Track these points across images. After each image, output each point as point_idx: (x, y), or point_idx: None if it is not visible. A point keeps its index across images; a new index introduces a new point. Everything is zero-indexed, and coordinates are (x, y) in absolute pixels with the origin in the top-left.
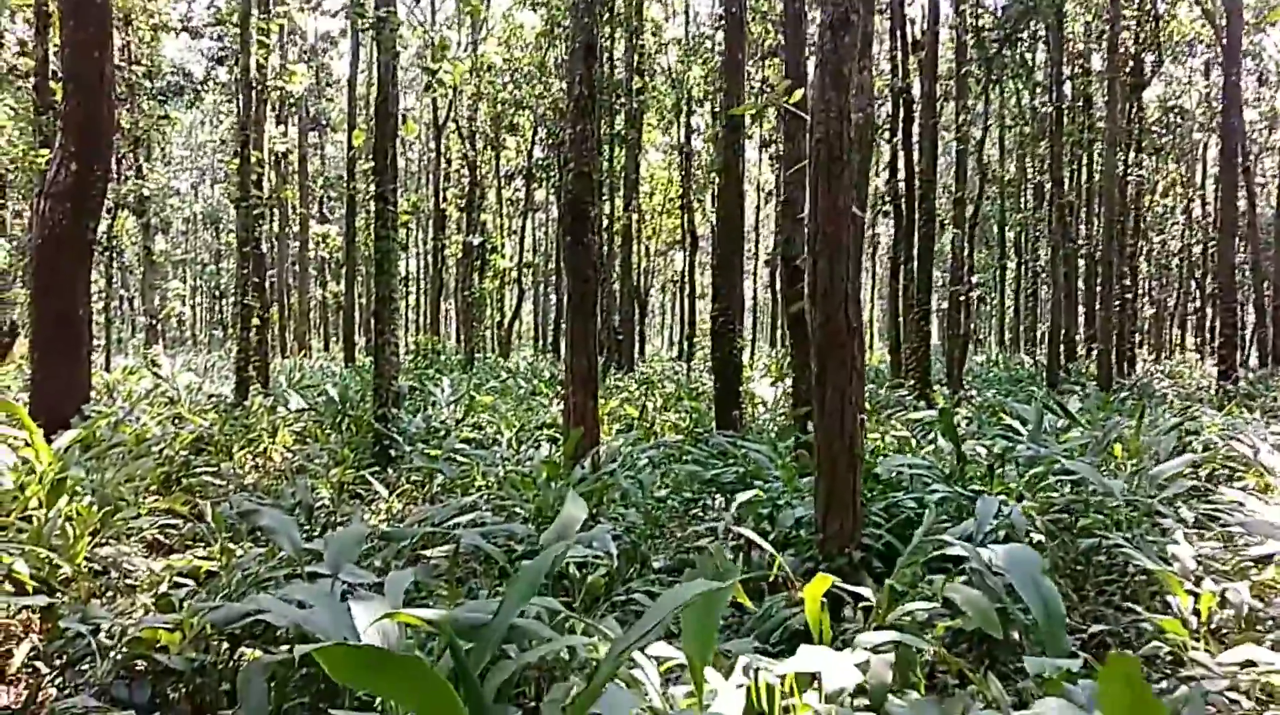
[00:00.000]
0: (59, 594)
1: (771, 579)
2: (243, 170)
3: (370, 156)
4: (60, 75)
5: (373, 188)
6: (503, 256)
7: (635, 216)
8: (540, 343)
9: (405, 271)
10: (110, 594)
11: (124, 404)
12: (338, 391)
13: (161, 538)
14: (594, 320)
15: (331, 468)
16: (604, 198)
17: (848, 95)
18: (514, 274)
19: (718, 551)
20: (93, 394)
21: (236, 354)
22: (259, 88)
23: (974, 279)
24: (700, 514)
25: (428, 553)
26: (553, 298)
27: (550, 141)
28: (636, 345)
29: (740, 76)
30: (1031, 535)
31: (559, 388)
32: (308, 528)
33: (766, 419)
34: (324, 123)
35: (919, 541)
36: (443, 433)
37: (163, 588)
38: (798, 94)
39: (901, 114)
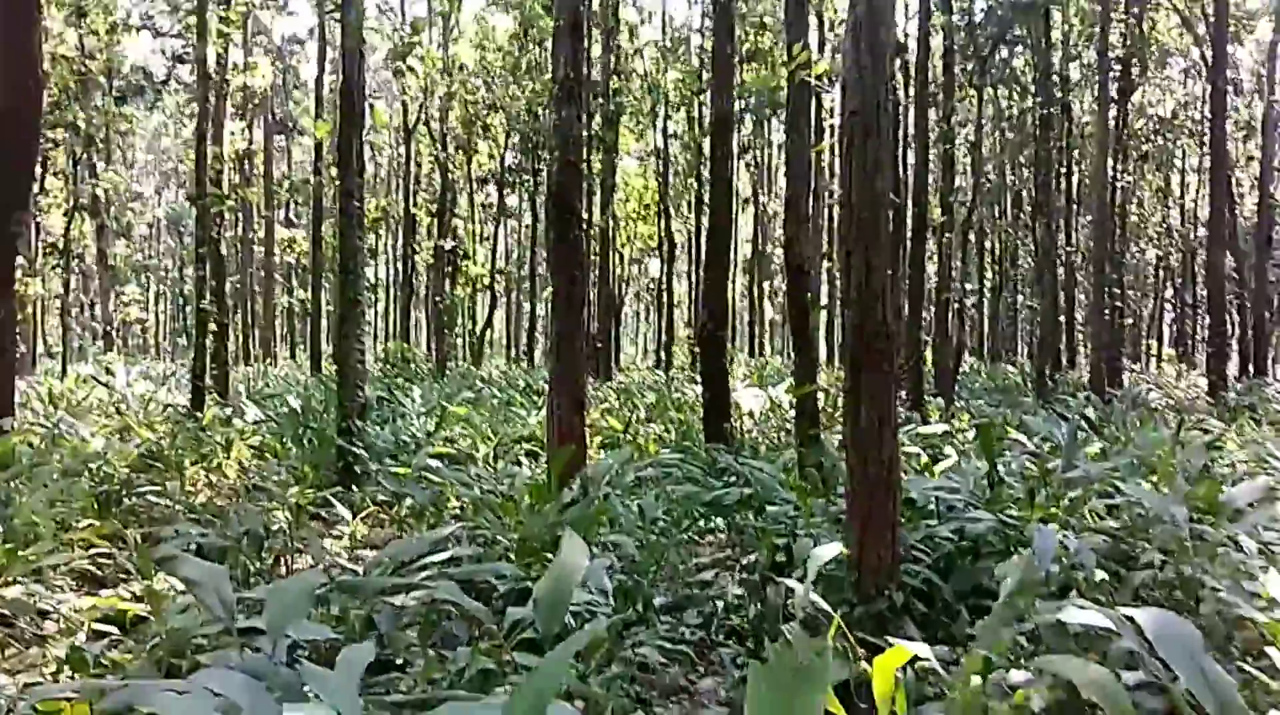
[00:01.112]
0: None
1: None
2: (199, 166)
3: (335, 149)
4: None
5: (338, 184)
6: (474, 263)
7: (611, 222)
8: (514, 351)
9: (374, 278)
10: (14, 647)
11: (61, 415)
12: (300, 402)
13: (94, 569)
14: (582, 326)
15: (290, 487)
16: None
17: (885, 62)
18: (486, 281)
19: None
20: (36, 405)
21: (193, 362)
22: (218, 78)
23: (966, 286)
24: (702, 541)
25: (395, 600)
26: (525, 306)
27: (524, 146)
28: (612, 353)
29: (730, 70)
30: (1095, 572)
31: (535, 398)
32: (256, 564)
33: (756, 433)
34: (290, 125)
35: (1008, 598)
36: (413, 447)
37: (80, 636)
38: (821, 65)
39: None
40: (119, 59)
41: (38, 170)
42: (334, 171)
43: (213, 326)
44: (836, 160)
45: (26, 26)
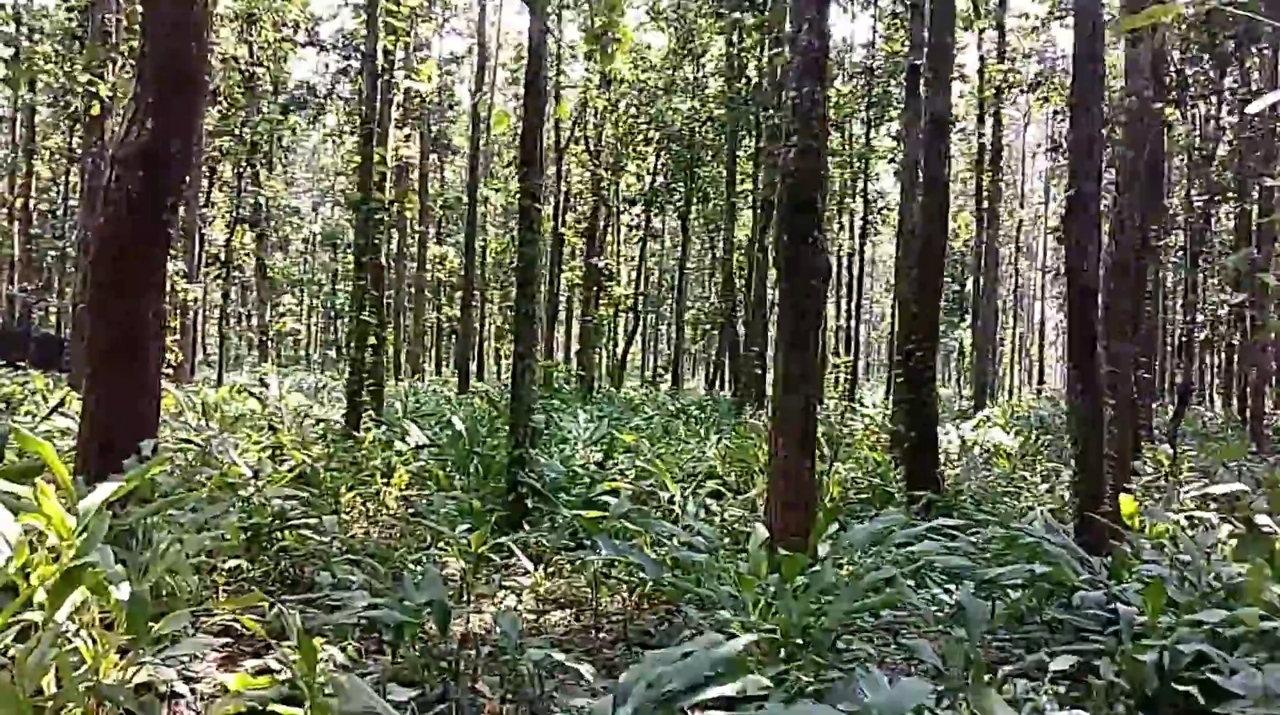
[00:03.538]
0: None
1: None
2: (364, 169)
3: (518, 142)
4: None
5: (514, 185)
6: (618, 283)
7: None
8: (648, 373)
9: None
10: None
11: (214, 428)
12: (465, 425)
13: (240, 625)
14: (817, 346)
15: (458, 523)
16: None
17: None
18: (629, 302)
19: None
20: (190, 416)
21: (349, 376)
22: (385, 76)
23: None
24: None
25: None
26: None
27: (676, 164)
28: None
29: (949, 65)
30: None
31: (693, 425)
32: (440, 645)
33: (970, 479)
34: (445, 144)
35: None
36: (586, 481)
37: None
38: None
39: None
40: (284, 74)
41: (204, 182)
42: (495, 185)
43: (372, 340)
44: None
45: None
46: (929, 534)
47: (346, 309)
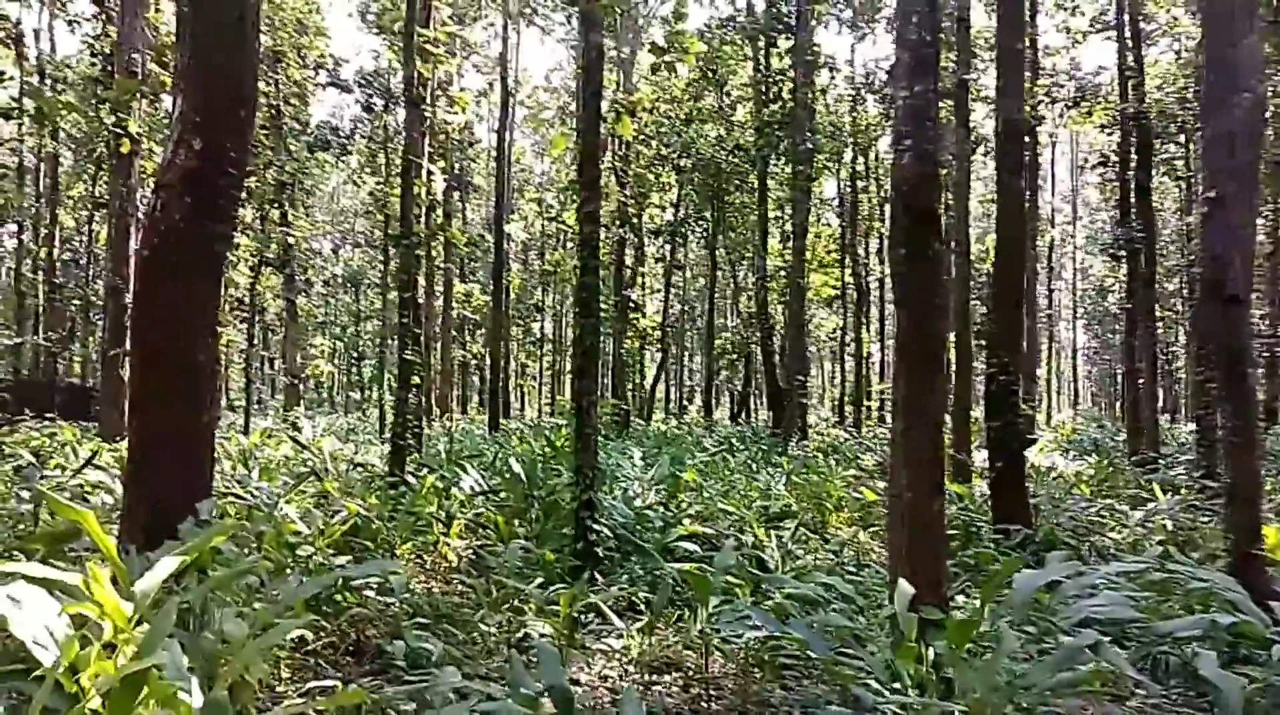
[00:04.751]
0: None
1: None
2: (405, 202)
3: (578, 165)
4: (179, 21)
5: (579, 209)
6: (643, 316)
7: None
8: (672, 406)
9: (540, 332)
10: None
11: (260, 482)
12: (523, 468)
13: None
14: (941, 371)
15: (529, 576)
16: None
17: None
18: (656, 334)
19: None
20: (225, 464)
21: (395, 418)
22: (423, 107)
23: None
24: None
25: None
26: (684, 361)
27: (704, 193)
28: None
29: (1020, 69)
30: None
31: (741, 459)
32: None
33: (1057, 511)
34: (465, 182)
35: None
36: (658, 524)
37: None
38: None
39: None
40: (306, 114)
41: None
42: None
43: (416, 380)
44: None
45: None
46: (1108, 583)
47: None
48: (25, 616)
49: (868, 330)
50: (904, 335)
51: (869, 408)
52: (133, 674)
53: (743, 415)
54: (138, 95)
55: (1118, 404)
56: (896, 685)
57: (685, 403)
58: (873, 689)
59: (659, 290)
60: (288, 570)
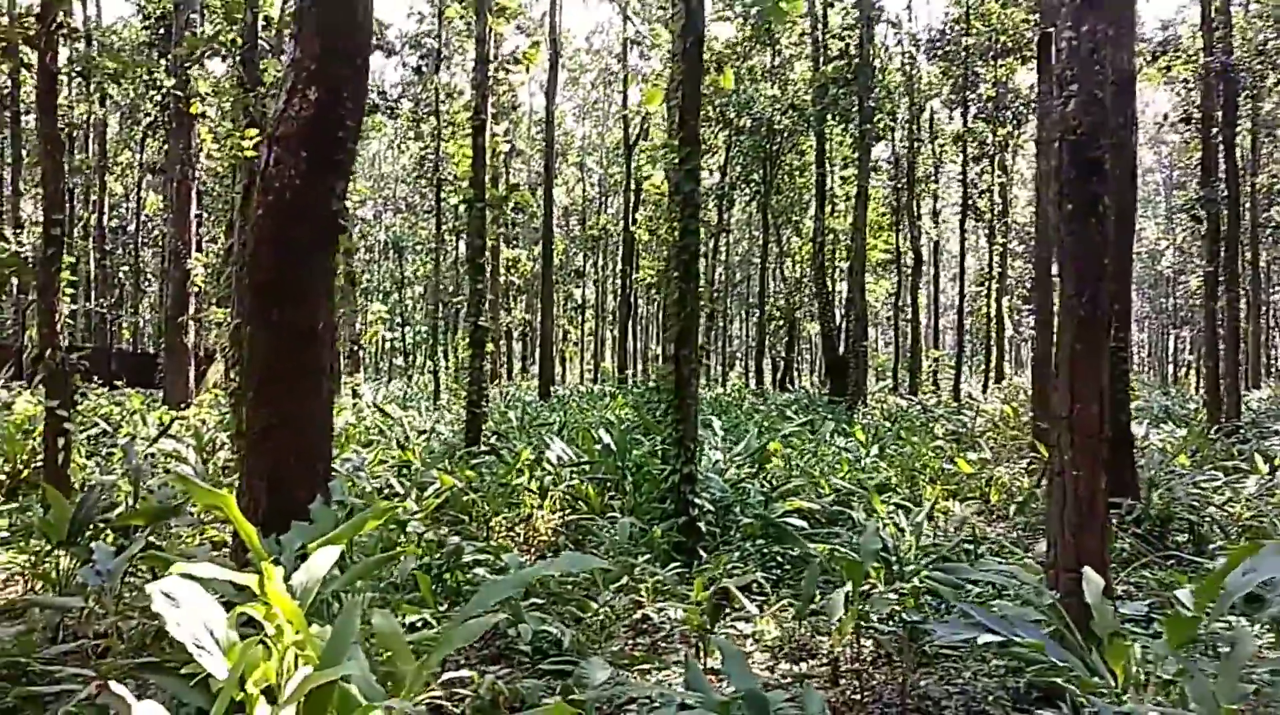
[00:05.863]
0: None
1: None
2: (477, 164)
3: (677, 120)
4: None
5: (679, 166)
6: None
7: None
8: (713, 372)
9: (581, 298)
10: None
11: (357, 453)
12: (614, 439)
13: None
14: (1107, 339)
15: (638, 554)
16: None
17: None
18: (703, 301)
19: None
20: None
21: (469, 386)
22: (494, 64)
23: None
24: None
25: None
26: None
27: (755, 155)
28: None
29: (1131, 15)
30: None
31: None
32: None
33: (1167, 485)
34: (510, 146)
35: None
36: (759, 499)
37: None
38: None
39: None
40: None
41: None
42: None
43: (490, 347)
44: None
45: None
46: None
47: (421, 316)
48: (184, 616)
49: (926, 295)
50: (1069, 300)
51: (926, 375)
52: (320, 686)
53: (788, 382)
54: (206, 54)
55: (1169, 368)
56: (1098, 683)
57: (725, 369)
58: (1073, 691)
59: (704, 254)
60: (399, 548)
